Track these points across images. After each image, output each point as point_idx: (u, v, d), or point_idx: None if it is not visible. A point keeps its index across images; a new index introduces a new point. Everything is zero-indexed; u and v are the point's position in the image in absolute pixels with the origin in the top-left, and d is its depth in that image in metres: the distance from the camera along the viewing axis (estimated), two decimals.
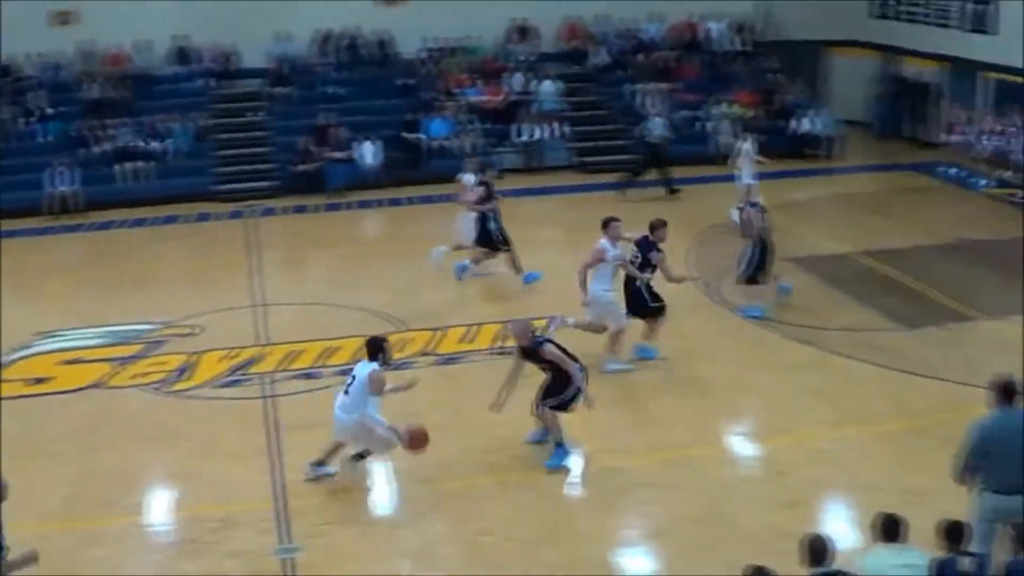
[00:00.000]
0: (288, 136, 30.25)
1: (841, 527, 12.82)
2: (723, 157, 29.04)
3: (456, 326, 19.11)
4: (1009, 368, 16.34)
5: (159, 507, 13.70)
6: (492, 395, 14.62)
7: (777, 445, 14.97)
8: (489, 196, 21.31)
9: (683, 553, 12.22)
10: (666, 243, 17.40)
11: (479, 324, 19.18)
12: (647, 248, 17.27)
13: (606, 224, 17.05)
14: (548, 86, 32.26)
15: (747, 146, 25.62)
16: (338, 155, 29.48)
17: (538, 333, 14.54)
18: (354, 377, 13.45)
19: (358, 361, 13.82)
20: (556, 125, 31.47)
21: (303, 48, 33.00)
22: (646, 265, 17.24)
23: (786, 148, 32.30)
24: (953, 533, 9.77)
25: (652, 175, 28.83)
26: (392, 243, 25.72)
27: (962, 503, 11.91)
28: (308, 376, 17.28)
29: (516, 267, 21.30)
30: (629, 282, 17.44)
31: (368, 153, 29.69)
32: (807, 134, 32.61)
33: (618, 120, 32.74)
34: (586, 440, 14.75)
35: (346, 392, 13.44)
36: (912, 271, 21.68)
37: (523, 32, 33.89)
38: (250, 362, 17.93)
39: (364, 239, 26.97)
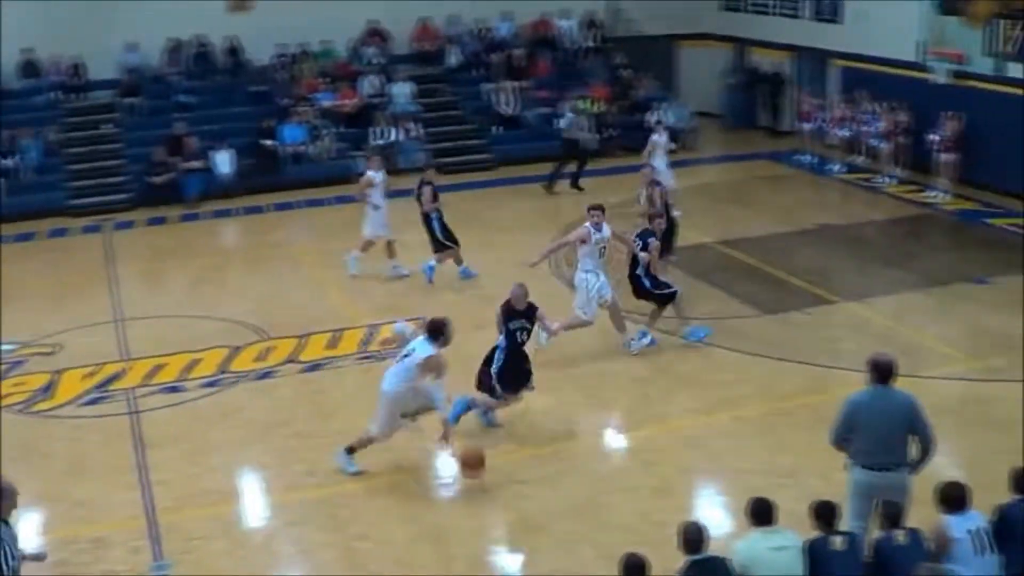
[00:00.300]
0: (142, 147, 29.60)
1: (715, 513, 13.00)
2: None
3: (319, 332, 18.89)
4: (866, 349, 16.68)
5: (28, 530, 13.36)
6: (359, 400, 14.53)
7: (647, 435, 15.08)
8: (435, 196, 21.37)
9: (558, 547, 12.24)
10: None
11: (342, 329, 19.00)
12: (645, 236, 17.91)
13: (590, 210, 17.64)
14: (402, 88, 32.05)
15: (661, 139, 26.06)
16: (193, 165, 28.99)
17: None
18: (409, 353, 13.54)
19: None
20: (411, 127, 31.30)
21: (153, 57, 32.37)
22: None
23: (642, 142, 32.48)
24: (824, 513, 9.93)
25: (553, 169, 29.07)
26: (251, 251, 25.44)
27: (831, 482, 12.12)
28: (173, 390, 16.95)
29: (458, 260, 21.67)
30: (632, 270, 17.85)
31: (223, 162, 29.27)
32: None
33: (472, 120, 32.76)
34: (455, 438, 14.75)
35: (398, 362, 13.65)
36: (771, 258, 22.02)
37: (375, 34, 33.62)
38: (113, 378, 17.54)
39: (223, 249, 26.57)
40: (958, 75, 27.42)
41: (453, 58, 34.17)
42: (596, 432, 15.54)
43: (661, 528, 11.61)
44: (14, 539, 9.67)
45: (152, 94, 31.65)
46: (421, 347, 13.46)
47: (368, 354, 17.90)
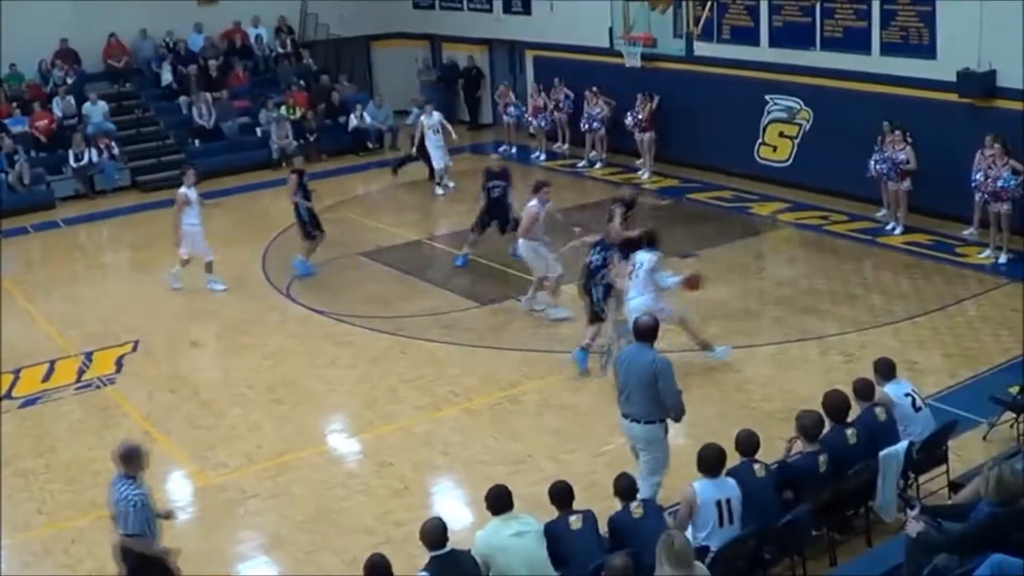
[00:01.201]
0: None
1: (455, 506, 13.10)
2: (280, 160, 29.40)
3: (32, 366, 18.18)
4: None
5: None
6: (82, 431, 14.18)
7: (378, 436, 15.05)
8: (302, 185, 21.77)
9: (301, 558, 12.14)
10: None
11: (55, 360, 18.36)
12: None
13: (537, 188, 18.89)
14: (95, 107, 31.07)
15: (430, 120, 27.51)
16: None
17: None
18: (640, 265, 15.62)
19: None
20: (110, 145, 30.35)
21: None
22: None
23: (346, 144, 32.62)
24: (558, 494, 10.17)
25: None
26: None
27: (561, 464, 12.37)
28: None
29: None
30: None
31: None
32: (363, 128, 32.92)
33: (170, 135, 32.03)
34: (183, 461, 14.54)
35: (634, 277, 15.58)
36: (483, 249, 22.17)
37: (65, 55, 32.57)
38: None
39: None
40: (650, 58, 28.24)
41: (146, 73, 33.43)
42: (326, 439, 15.43)
43: (401, 527, 11.66)
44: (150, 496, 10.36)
45: None
46: (643, 257, 15.66)
47: (86, 383, 17.37)
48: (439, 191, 27.34)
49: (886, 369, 12.35)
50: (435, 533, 9.49)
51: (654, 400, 11.58)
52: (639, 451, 12.03)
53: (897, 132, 21.41)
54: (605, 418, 14.79)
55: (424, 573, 9.37)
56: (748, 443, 10.92)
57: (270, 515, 13.13)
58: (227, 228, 25.29)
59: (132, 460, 10.27)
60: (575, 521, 10.03)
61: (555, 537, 9.94)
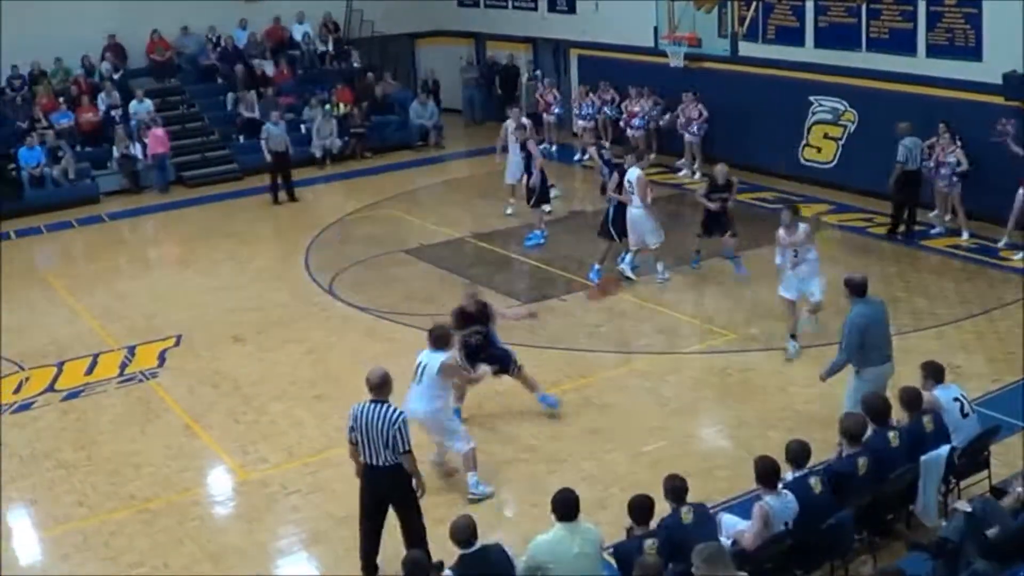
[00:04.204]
0: None
1: (494, 505, 13.08)
2: (325, 157, 29.58)
3: (75, 359, 18.35)
4: (626, 330, 17.07)
5: None
6: (123, 424, 14.27)
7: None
8: None
9: (341, 554, 12.15)
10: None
11: (98, 354, 18.50)
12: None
13: (640, 156, 20.29)
14: (141, 104, 31.16)
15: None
16: None
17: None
18: (423, 367, 13.09)
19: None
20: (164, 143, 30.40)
21: None
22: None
23: (393, 140, 32.69)
24: (639, 510, 10.15)
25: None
26: None
27: (602, 465, 12.34)
28: None
29: None
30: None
31: None
32: (410, 125, 33.00)
33: (215, 131, 32.14)
34: (224, 456, 14.61)
35: (418, 382, 13.12)
36: (525, 248, 22.20)
37: (111, 50, 32.73)
38: None
39: None
40: (694, 58, 28.16)
41: (191, 69, 33.56)
42: None
43: (439, 525, 11.64)
44: None
45: None
46: (431, 358, 13.15)
47: (128, 376, 17.48)
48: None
49: (935, 372, 12.26)
50: (464, 531, 9.46)
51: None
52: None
53: (946, 135, 21.33)
54: (645, 419, 14.83)
55: (449, 572, 9.39)
56: (800, 453, 10.94)
57: (311, 511, 13.17)
58: (270, 225, 25.44)
59: (385, 385, 11.26)
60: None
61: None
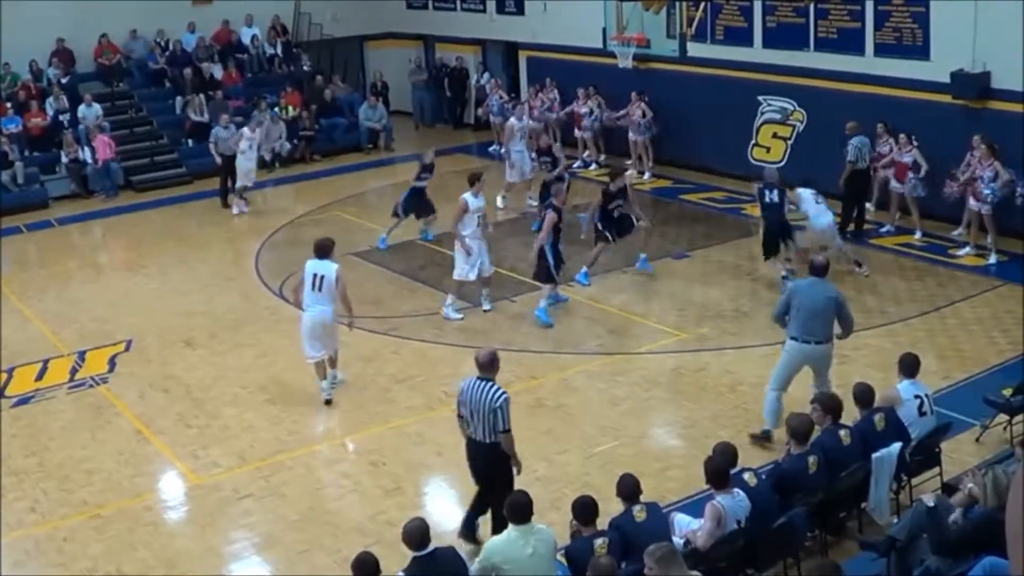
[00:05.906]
0: None
1: (446, 507, 13.09)
2: (274, 161, 29.56)
3: (25, 365, 18.17)
4: (579, 330, 17.14)
5: None
6: (75, 430, 14.15)
7: (371, 436, 15.04)
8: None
9: (294, 558, 12.14)
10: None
11: (48, 359, 18.36)
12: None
13: (472, 180, 18.93)
14: (89, 109, 30.93)
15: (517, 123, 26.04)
16: None
17: None
18: (320, 276, 15.27)
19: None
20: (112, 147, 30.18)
21: None
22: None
23: (342, 143, 32.65)
24: (583, 511, 10.13)
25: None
26: None
27: (554, 466, 12.36)
28: None
29: None
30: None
31: None
32: (359, 128, 32.96)
33: (164, 135, 31.94)
34: (175, 461, 14.54)
35: (318, 289, 15.35)
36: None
37: (59, 54, 32.45)
38: None
39: None
40: (643, 59, 28.24)
41: (140, 73, 33.33)
42: (318, 439, 15.41)
43: (393, 527, 11.61)
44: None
45: None
46: (325, 268, 15.33)
47: (79, 382, 17.36)
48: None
49: (907, 367, 12.38)
50: (416, 534, 9.45)
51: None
52: (816, 369, 13.50)
53: (902, 135, 21.49)
54: (598, 419, 14.87)
55: (401, 574, 9.37)
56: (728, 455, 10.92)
57: (264, 514, 13.12)
58: (220, 228, 25.35)
59: (493, 365, 11.59)
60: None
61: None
